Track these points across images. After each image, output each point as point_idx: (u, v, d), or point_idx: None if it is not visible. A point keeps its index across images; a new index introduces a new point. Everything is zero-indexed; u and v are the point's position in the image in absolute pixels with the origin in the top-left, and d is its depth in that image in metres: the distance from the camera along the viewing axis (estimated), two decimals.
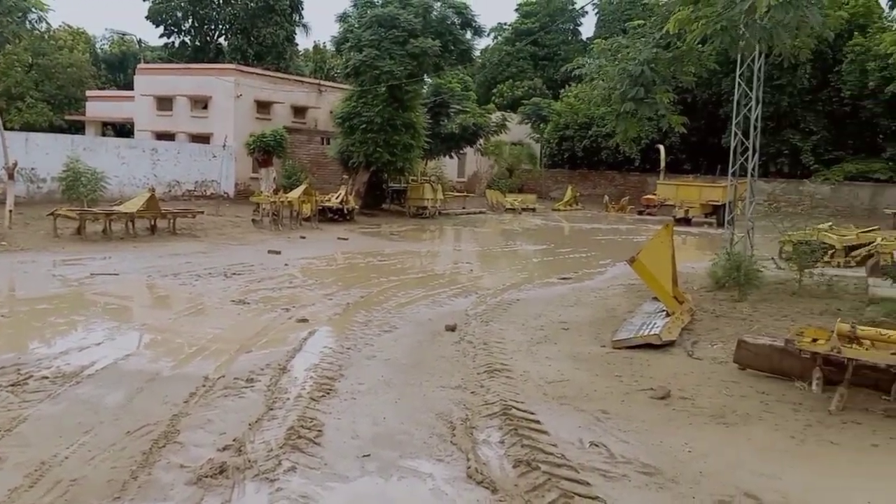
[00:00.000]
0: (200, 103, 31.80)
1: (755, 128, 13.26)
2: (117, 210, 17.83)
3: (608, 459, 5.19)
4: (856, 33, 34.53)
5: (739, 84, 13.43)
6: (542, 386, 6.93)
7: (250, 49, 42.17)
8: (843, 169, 36.96)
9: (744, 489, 4.75)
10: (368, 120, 26.14)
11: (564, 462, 5.08)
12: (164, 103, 32.37)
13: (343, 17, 27.93)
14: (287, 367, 7.32)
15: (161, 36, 44.92)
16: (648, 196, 36.71)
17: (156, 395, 6.34)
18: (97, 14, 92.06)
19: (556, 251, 20.51)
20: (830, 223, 19.63)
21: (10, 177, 17.28)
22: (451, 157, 35.98)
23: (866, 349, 6.76)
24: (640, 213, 36.45)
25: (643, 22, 12.30)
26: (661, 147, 36.79)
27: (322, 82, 37.28)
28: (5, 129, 19.74)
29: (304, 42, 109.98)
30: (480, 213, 34.34)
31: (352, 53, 26.19)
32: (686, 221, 31.12)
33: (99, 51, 54.40)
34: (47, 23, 26.37)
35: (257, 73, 33.18)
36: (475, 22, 28.49)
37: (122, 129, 37.96)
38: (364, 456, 5.15)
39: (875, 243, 16.16)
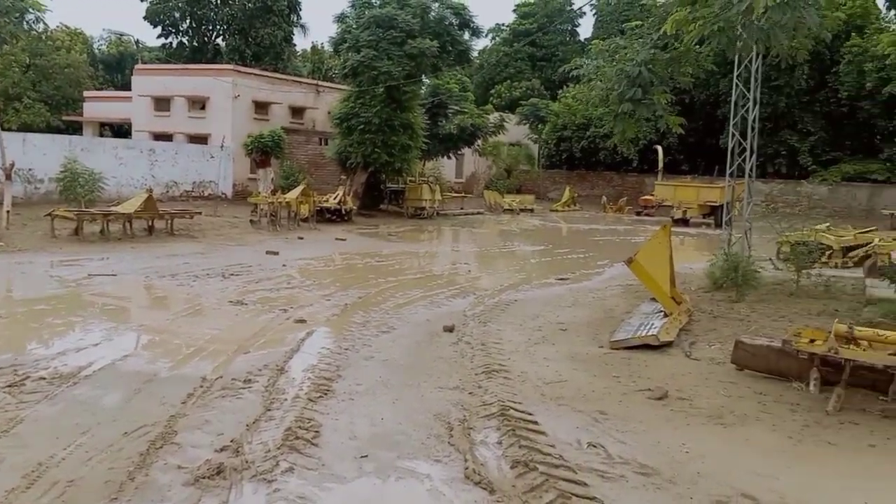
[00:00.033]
0: (198, 104, 31.80)
1: (753, 128, 13.28)
2: (115, 211, 17.81)
3: (606, 460, 5.19)
4: (853, 34, 34.61)
5: (737, 85, 13.44)
6: (540, 386, 6.93)
7: (248, 50, 42.18)
8: (840, 170, 37.02)
9: (741, 489, 4.75)
10: (366, 120, 26.13)
11: (562, 462, 5.09)
12: (162, 104, 32.36)
13: (341, 18, 27.92)
14: (285, 368, 7.31)
15: (159, 36, 44.98)
16: (646, 197, 36.74)
17: (153, 395, 6.33)
18: (95, 14, 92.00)
19: (554, 252, 20.53)
20: (828, 224, 19.64)
21: (8, 177, 17.26)
22: (449, 157, 35.98)
23: (864, 350, 6.78)
24: (638, 213, 36.49)
25: (641, 23, 12.29)
26: (659, 148, 36.84)
27: (320, 83, 37.28)
28: (2, 129, 19.72)
29: (301, 43, 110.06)
30: (478, 213, 34.35)
31: (350, 54, 26.18)
32: (684, 222, 31.16)
33: (96, 51, 54.37)
34: (45, 23, 26.37)
35: (255, 74, 33.17)
36: (473, 23, 28.52)
37: (120, 130, 37.92)
38: (362, 457, 5.15)
39: (872, 244, 16.18)
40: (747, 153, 13.35)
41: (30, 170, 22.24)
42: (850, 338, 6.88)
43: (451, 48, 27.44)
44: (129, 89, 34.47)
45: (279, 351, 7.99)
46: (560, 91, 47.01)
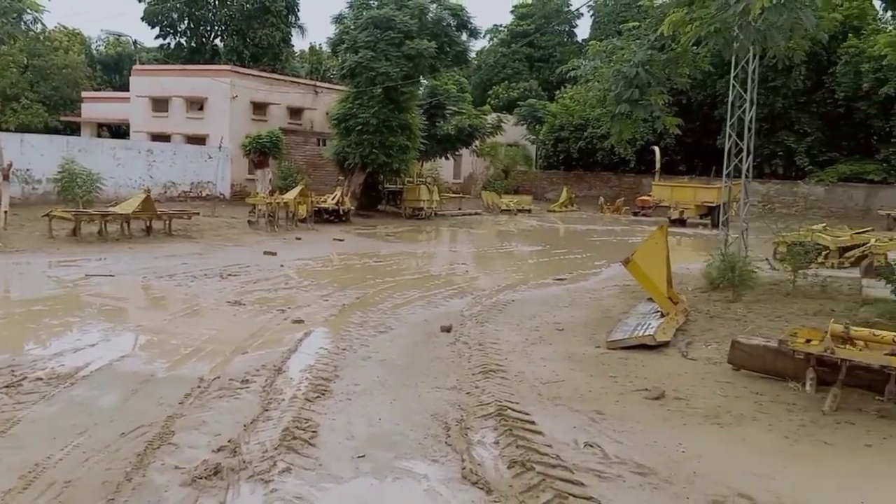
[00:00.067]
0: (196, 104, 31.79)
1: (749, 129, 13.30)
2: (113, 211, 17.80)
3: (603, 460, 5.20)
4: (850, 35, 34.67)
5: (734, 86, 13.47)
6: (537, 386, 6.94)
7: (246, 50, 42.17)
8: (837, 170, 37.08)
9: (737, 489, 4.77)
10: (364, 121, 26.14)
11: (559, 462, 5.10)
12: (160, 104, 32.36)
13: (339, 19, 27.93)
14: (282, 368, 7.32)
15: (157, 37, 44.95)
16: (643, 197, 36.77)
17: (151, 396, 6.33)
18: (93, 15, 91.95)
19: (552, 252, 20.55)
20: (824, 224, 19.69)
21: (5, 178, 17.25)
22: (446, 158, 36.01)
23: (860, 350, 6.79)
24: (636, 214, 36.52)
25: (638, 24, 12.31)
26: (657, 148, 36.88)
27: (318, 84, 37.27)
28: (0, 130, 19.69)
29: (300, 43, 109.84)
30: (476, 214, 34.36)
31: (347, 55, 26.18)
32: (681, 222, 31.18)
33: (94, 52, 54.36)
34: (42, 24, 26.37)
35: (253, 75, 33.17)
36: (471, 24, 28.54)
37: (118, 131, 37.90)
38: (359, 457, 5.16)
39: (869, 244, 16.20)
40: (744, 154, 13.38)
41: (27, 170, 22.22)
42: (847, 338, 6.90)
43: (448, 49, 27.45)
44: (127, 90, 34.45)
45: (277, 351, 8.00)
46: (557, 92, 47.03)
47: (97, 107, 38.13)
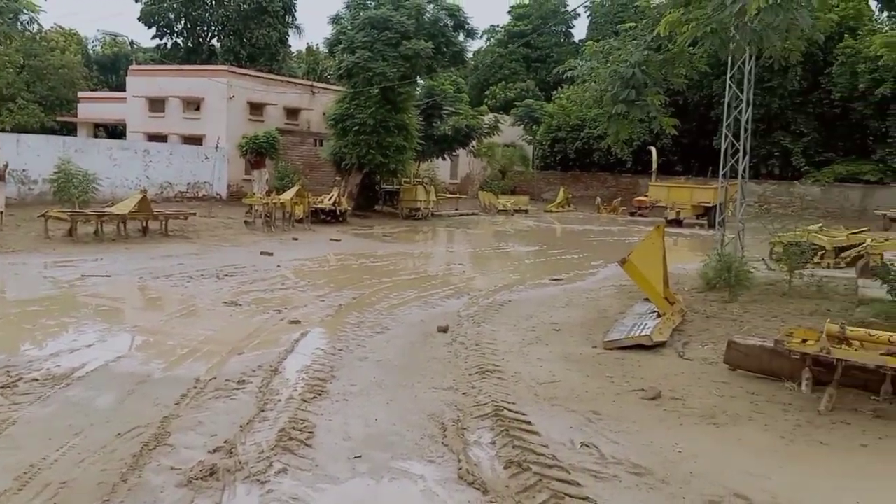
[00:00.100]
0: (193, 105, 31.74)
1: (746, 130, 13.33)
2: (109, 212, 17.76)
3: (599, 460, 5.21)
4: (846, 36, 34.74)
5: (730, 86, 13.50)
6: (534, 387, 6.94)
7: (243, 50, 42.13)
8: (833, 170, 37.16)
9: (734, 489, 4.78)
10: (361, 122, 26.12)
11: (555, 463, 5.10)
12: (157, 105, 32.29)
13: (336, 19, 27.90)
14: (279, 369, 7.31)
15: (153, 37, 44.87)
16: (640, 197, 36.80)
17: (146, 397, 6.32)
18: (89, 15, 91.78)
19: (548, 252, 20.55)
20: (820, 224, 19.73)
21: (1, 178, 17.21)
22: (443, 158, 36.00)
23: (855, 350, 6.80)
24: (632, 214, 36.54)
25: (634, 24, 12.33)
26: (653, 149, 36.91)
27: (315, 84, 37.23)
28: None
29: (296, 44, 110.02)
30: (473, 214, 34.37)
31: (344, 55, 26.17)
32: (677, 223, 31.22)
33: (91, 52, 54.29)
34: (39, 24, 26.35)
35: (250, 75, 33.12)
36: (468, 24, 28.52)
37: (114, 131, 37.83)
38: (355, 457, 5.16)
39: (865, 244, 16.24)
40: (740, 154, 13.40)
41: (24, 170, 22.16)
42: (842, 338, 6.91)
43: (445, 49, 27.45)
44: (124, 90, 34.37)
45: (273, 352, 7.99)
46: (554, 92, 47.08)
47: (93, 107, 38.04)
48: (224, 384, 6.71)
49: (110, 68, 52.39)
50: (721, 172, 13.90)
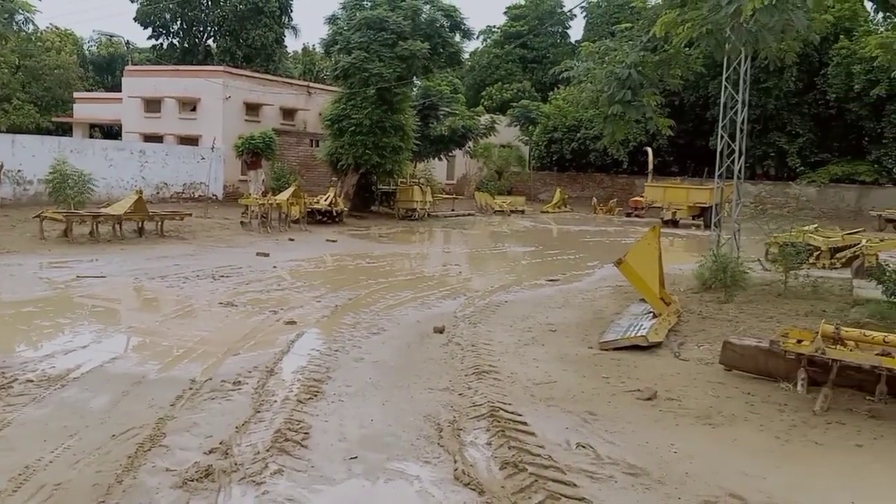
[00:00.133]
0: (189, 105, 31.71)
1: (741, 130, 13.36)
2: (104, 212, 17.72)
3: (595, 460, 5.21)
4: (841, 37, 34.86)
5: (726, 87, 13.53)
6: (530, 387, 6.95)
7: (239, 51, 42.11)
8: (828, 171, 37.28)
9: (729, 489, 4.78)
10: (357, 122, 26.12)
11: (551, 463, 5.10)
12: (153, 105, 32.26)
13: (332, 20, 27.90)
14: (274, 370, 7.30)
15: (149, 38, 44.87)
16: (636, 198, 36.86)
17: (142, 398, 6.31)
18: (85, 16, 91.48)
19: (545, 253, 20.56)
20: (816, 225, 19.78)
21: None
22: (440, 159, 36.03)
23: (850, 350, 6.82)
24: (628, 215, 36.60)
25: (630, 25, 12.36)
26: (649, 149, 37.01)
27: (311, 84, 37.24)
28: None
29: (293, 44, 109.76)
30: (469, 215, 34.37)
31: (341, 56, 26.17)
32: (673, 223, 31.27)
33: (87, 52, 54.21)
34: (34, 24, 26.22)
35: (246, 75, 33.12)
36: (464, 25, 28.53)
37: (110, 131, 37.79)
38: (351, 458, 5.15)
39: (860, 245, 16.29)
40: (736, 155, 13.44)
41: (19, 171, 22.13)
42: (837, 338, 6.93)
43: (442, 50, 27.46)
44: (120, 90, 34.34)
45: (269, 353, 7.98)
46: (551, 93, 47.10)
47: (89, 107, 37.98)
48: (220, 385, 6.70)
49: (106, 69, 52.34)
50: (717, 173, 13.93)
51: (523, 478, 4.87)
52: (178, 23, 43.95)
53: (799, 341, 6.93)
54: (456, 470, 4.96)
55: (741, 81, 13.20)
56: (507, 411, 6.15)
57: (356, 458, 5.16)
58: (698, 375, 7.45)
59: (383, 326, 9.62)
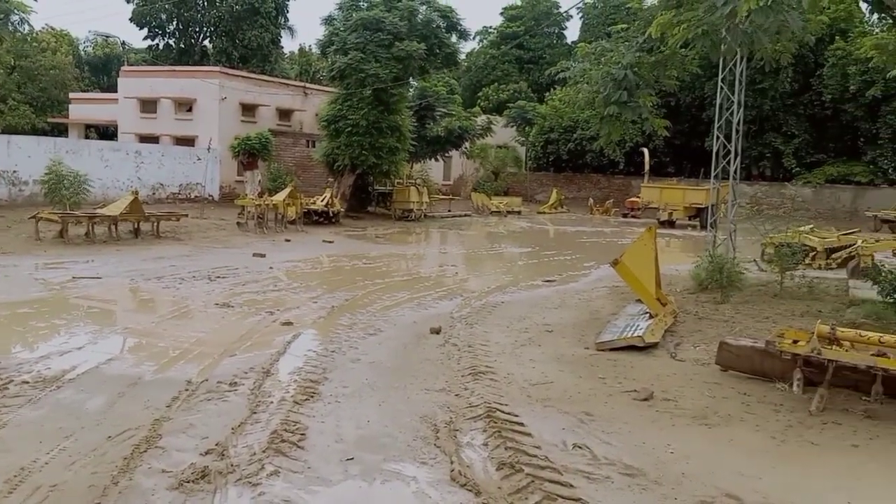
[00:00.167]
0: (185, 106, 31.66)
1: (737, 131, 13.39)
2: (100, 213, 17.67)
3: (591, 461, 5.21)
4: (837, 37, 34.96)
5: (722, 88, 13.55)
6: (526, 388, 6.95)
7: (235, 52, 42.08)
8: (824, 172, 37.38)
9: (725, 490, 4.79)
10: (354, 123, 26.10)
11: (548, 464, 5.10)
12: (148, 106, 32.22)
13: (328, 20, 27.89)
14: (271, 371, 7.29)
15: (145, 38, 44.84)
16: (632, 199, 36.90)
17: (138, 399, 6.30)
18: (81, 16, 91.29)
19: (541, 254, 20.58)
20: (812, 225, 19.83)
21: None
22: (436, 160, 36.00)
23: (846, 350, 6.83)
24: (625, 215, 36.65)
25: (626, 26, 12.38)
26: (645, 150, 37.03)
27: (307, 85, 37.21)
28: None
29: (289, 45, 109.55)
30: (466, 216, 34.36)
31: (337, 56, 26.16)
32: (670, 224, 31.29)
33: (82, 53, 54.11)
34: (30, 25, 26.14)
35: (242, 76, 33.09)
36: (460, 25, 28.57)
37: (106, 132, 37.72)
38: (348, 459, 5.15)
39: (856, 245, 16.32)
40: (732, 155, 13.46)
41: (14, 172, 22.08)
42: (833, 338, 6.94)
43: (438, 51, 27.46)
44: (115, 91, 34.28)
45: (265, 353, 7.97)
46: (547, 94, 47.14)
47: (85, 108, 37.91)
48: (216, 386, 6.69)
49: (102, 69, 52.24)
50: (713, 174, 13.95)
51: (520, 478, 4.87)
52: (174, 23, 43.91)
53: (795, 342, 6.94)
54: (452, 471, 4.96)
55: (737, 82, 13.23)
56: (503, 412, 6.15)
57: (353, 459, 5.15)
58: (695, 376, 7.46)
59: (380, 327, 9.62)
